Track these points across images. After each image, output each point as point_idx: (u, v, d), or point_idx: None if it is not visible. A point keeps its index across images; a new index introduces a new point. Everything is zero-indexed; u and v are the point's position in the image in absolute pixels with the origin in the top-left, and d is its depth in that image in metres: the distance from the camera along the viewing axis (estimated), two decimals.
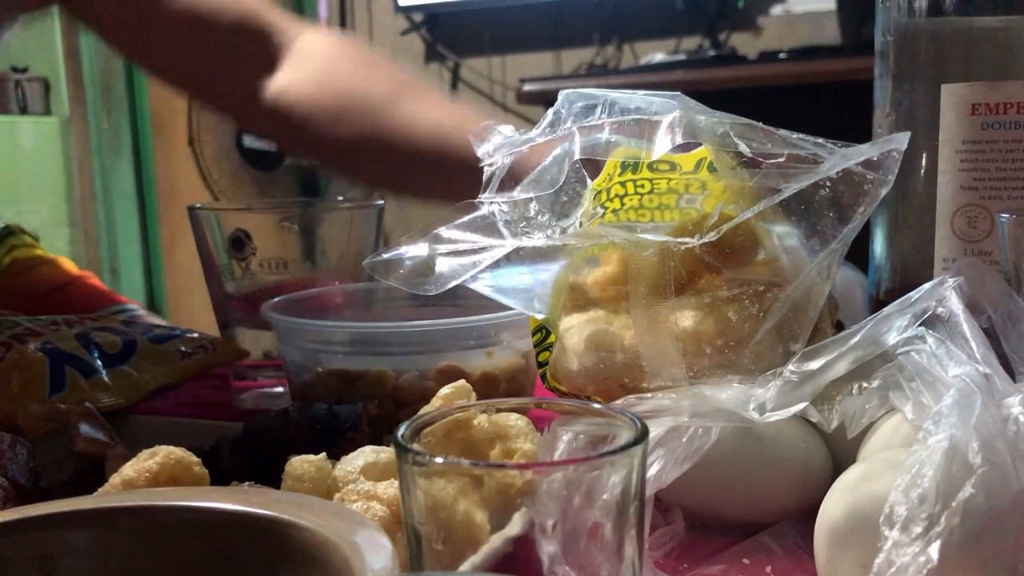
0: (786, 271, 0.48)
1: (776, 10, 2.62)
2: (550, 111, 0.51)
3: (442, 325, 0.58)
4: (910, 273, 0.57)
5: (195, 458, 0.38)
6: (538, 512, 0.29)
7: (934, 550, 0.32)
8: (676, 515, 0.46)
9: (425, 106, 0.90)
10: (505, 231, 0.48)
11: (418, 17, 2.87)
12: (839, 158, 0.46)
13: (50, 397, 0.60)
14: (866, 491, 0.37)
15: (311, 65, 0.91)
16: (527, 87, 2.41)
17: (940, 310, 0.44)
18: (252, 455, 0.48)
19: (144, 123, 3.01)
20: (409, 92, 0.91)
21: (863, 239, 0.52)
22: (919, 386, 0.41)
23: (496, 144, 0.52)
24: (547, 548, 0.30)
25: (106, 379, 0.64)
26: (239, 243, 0.70)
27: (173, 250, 3.03)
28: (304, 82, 0.90)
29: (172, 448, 0.38)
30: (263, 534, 0.30)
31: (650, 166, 0.53)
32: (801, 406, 0.43)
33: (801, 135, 0.48)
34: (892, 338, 0.44)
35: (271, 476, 0.40)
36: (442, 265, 0.47)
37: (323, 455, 0.39)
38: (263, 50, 0.90)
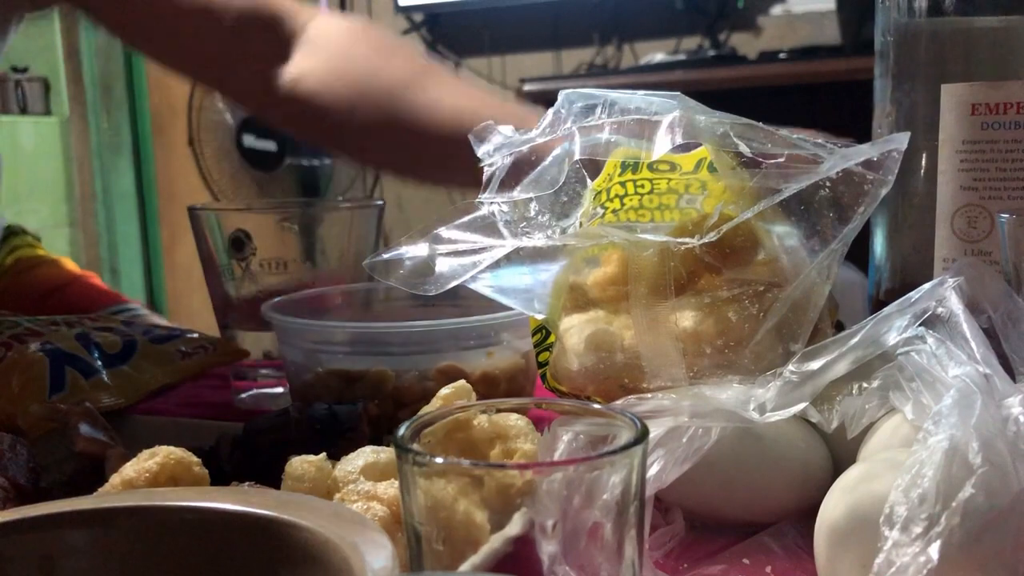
0: (786, 271, 0.48)
1: (776, 10, 2.62)
2: (550, 111, 0.51)
3: (442, 325, 0.58)
4: (910, 273, 0.57)
5: (195, 458, 0.38)
6: (538, 512, 0.29)
7: (934, 550, 0.32)
8: (676, 515, 0.46)
9: (446, 91, 0.88)
10: (505, 231, 0.48)
11: (418, 17, 2.88)
12: (839, 158, 0.46)
13: (50, 397, 0.60)
14: (866, 491, 0.37)
15: (325, 51, 0.89)
16: (527, 87, 2.41)
17: (940, 310, 0.44)
18: (252, 455, 0.48)
19: (144, 123, 3.01)
20: (428, 76, 0.89)
21: (863, 239, 0.52)
22: (919, 386, 0.41)
23: (496, 144, 0.52)
24: (547, 548, 0.30)
25: (106, 379, 0.64)
26: (239, 243, 0.70)
27: (173, 250, 3.04)
28: (319, 69, 0.88)
29: (172, 448, 0.38)
30: (263, 534, 0.30)
31: (650, 166, 0.53)
32: (801, 406, 0.43)
33: (801, 135, 0.48)
34: (892, 338, 0.44)
35: (271, 476, 0.40)
36: (442, 265, 0.47)
37: (323, 455, 0.39)
38: (275, 37, 0.89)
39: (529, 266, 0.48)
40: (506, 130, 0.53)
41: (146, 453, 0.38)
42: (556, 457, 0.35)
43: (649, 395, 0.44)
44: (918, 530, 0.33)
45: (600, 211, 0.53)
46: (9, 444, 0.46)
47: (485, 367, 0.59)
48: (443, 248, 0.48)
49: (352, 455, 0.41)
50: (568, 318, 0.50)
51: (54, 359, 0.62)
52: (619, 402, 0.45)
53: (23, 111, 2.69)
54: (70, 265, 1.12)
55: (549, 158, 0.51)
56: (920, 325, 0.43)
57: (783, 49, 2.47)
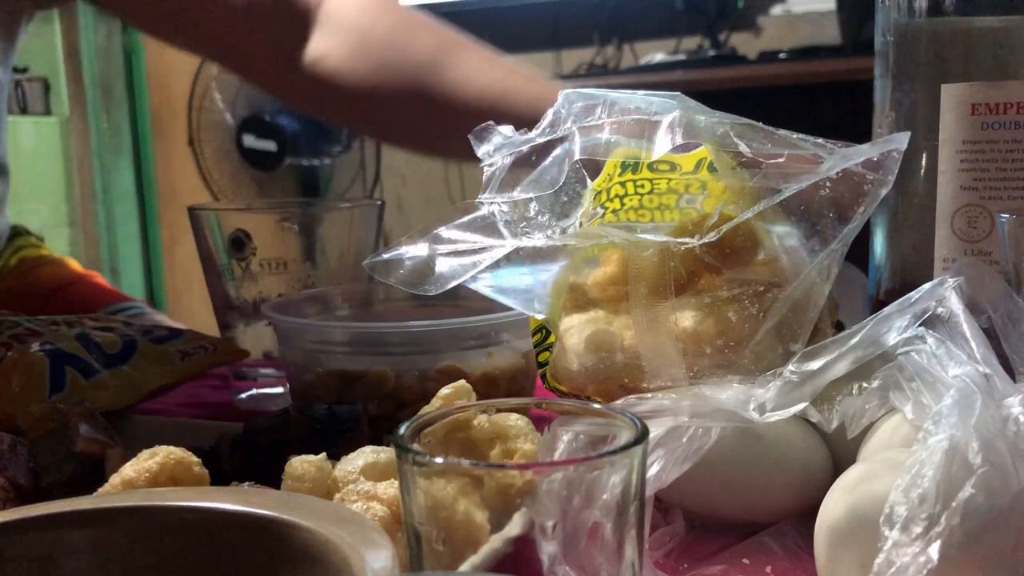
0: (786, 271, 0.48)
1: (776, 10, 2.62)
2: (550, 111, 0.51)
3: (442, 325, 0.58)
4: (910, 273, 0.57)
5: (195, 458, 0.38)
6: (538, 512, 0.29)
7: (934, 550, 0.32)
8: (676, 515, 0.46)
9: (475, 66, 0.86)
10: (505, 231, 0.48)
11: None
12: (839, 158, 0.46)
13: (50, 397, 0.60)
14: (866, 491, 0.37)
15: (346, 29, 0.87)
16: None
17: (940, 310, 0.44)
18: (252, 455, 0.48)
19: (144, 123, 3.01)
20: (456, 52, 0.87)
21: (863, 239, 0.52)
22: (919, 386, 0.41)
23: (496, 144, 0.52)
24: (547, 548, 0.30)
25: (106, 379, 0.64)
26: (239, 243, 0.70)
27: (173, 250, 3.04)
28: (341, 48, 0.86)
29: (172, 448, 0.38)
30: (263, 534, 0.30)
31: (650, 166, 0.53)
32: (801, 406, 0.43)
33: (801, 135, 0.48)
34: (892, 338, 0.44)
35: (271, 476, 0.40)
36: (442, 265, 0.47)
37: (323, 455, 0.39)
38: (292, 16, 0.87)
39: (529, 266, 0.48)
40: (506, 130, 0.53)
41: (146, 453, 0.38)
42: (556, 457, 0.35)
43: (649, 395, 0.44)
44: (918, 530, 0.33)
45: (600, 211, 0.53)
46: (9, 444, 0.46)
47: (485, 367, 0.59)
48: (443, 248, 0.47)
49: (352, 455, 0.41)
50: (568, 318, 0.50)
51: (54, 359, 0.62)
52: (619, 402, 0.45)
53: (23, 111, 2.69)
54: (74, 265, 1.12)
55: (549, 158, 0.51)
56: (920, 325, 0.43)
57: (783, 49, 2.47)
